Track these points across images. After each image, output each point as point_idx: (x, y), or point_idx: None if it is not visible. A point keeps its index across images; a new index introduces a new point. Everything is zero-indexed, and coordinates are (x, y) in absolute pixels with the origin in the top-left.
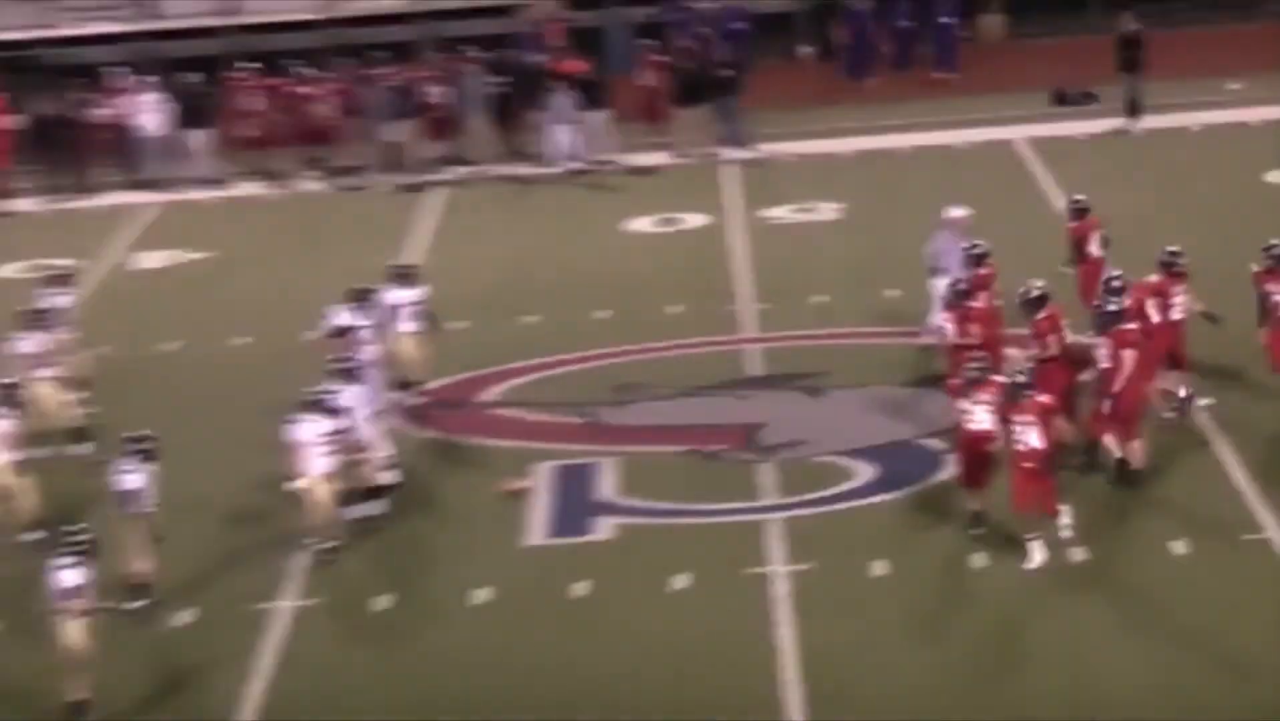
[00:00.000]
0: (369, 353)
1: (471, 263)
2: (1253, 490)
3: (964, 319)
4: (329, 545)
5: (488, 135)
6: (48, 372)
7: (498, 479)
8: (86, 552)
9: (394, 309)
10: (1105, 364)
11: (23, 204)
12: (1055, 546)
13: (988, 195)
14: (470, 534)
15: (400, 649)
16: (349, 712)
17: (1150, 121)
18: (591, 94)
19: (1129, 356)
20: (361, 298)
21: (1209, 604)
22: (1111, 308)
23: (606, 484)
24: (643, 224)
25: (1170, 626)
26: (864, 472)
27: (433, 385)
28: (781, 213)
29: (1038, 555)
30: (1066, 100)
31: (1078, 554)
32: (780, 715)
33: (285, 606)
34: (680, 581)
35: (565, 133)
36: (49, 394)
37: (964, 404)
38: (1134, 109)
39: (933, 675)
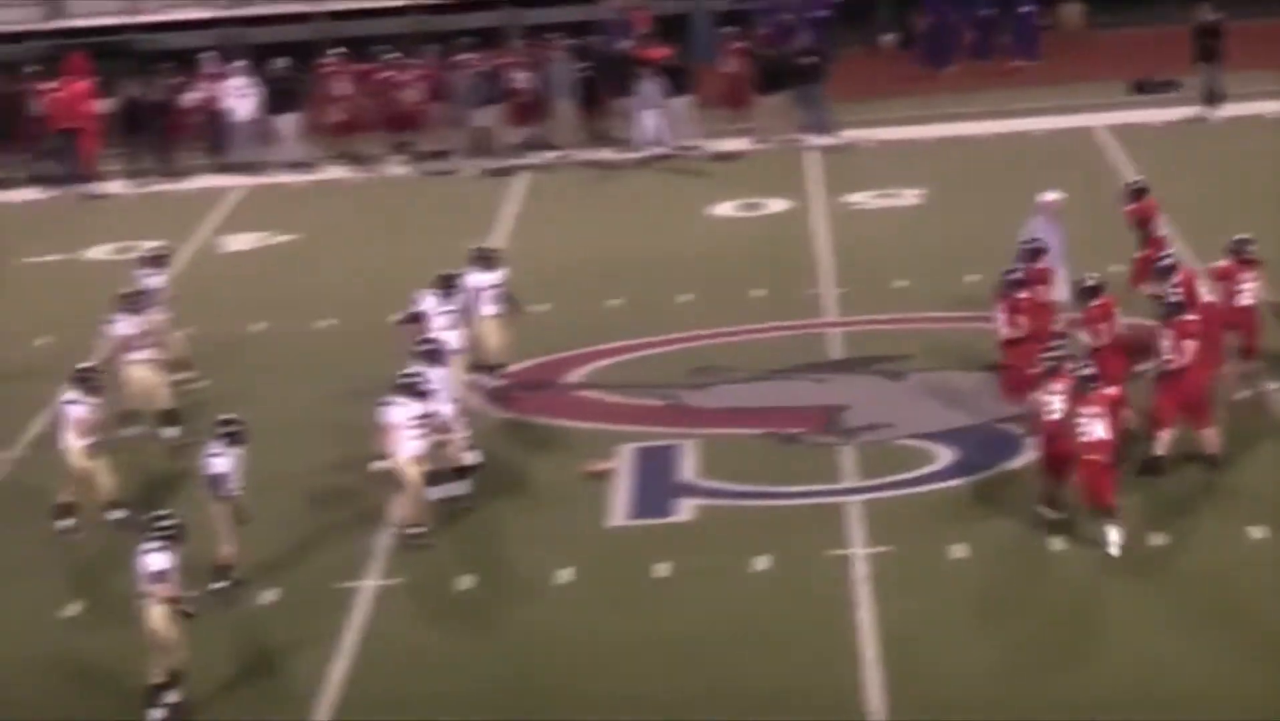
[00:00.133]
0: (452, 336)
1: (556, 246)
2: None
3: (1014, 309)
4: (419, 529)
5: (573, 121)
6: (143, 355)
7: (581, 460)
8: (173, 537)
9: (475, 292)
10: (1169, 355)
11: (112, 186)
12: (1134, 532)
13: (1066, 182)
14: (552, 515)
15: (482, 629)
16: (431, 692)
17: (1228, 110)
18: (676, 80)
19: (1191, 346)
20: (447, 283)
21: None
22: (1174, 298)
23: (688, 466)
24: (726, 208)
25: (1247, 614)
26: (943, 456)
27: (516, 367)
28: (863, 198)
29: (1115, 537)
30: (1145, 88)
31: (1155, 538)
32: (859, 696)
33: (368, 586)
34: (761, 563)
35: (651, 118)
36: (144, 376)
37: (1041, 395)
38: (1212, 97)
39: (1009, 657)
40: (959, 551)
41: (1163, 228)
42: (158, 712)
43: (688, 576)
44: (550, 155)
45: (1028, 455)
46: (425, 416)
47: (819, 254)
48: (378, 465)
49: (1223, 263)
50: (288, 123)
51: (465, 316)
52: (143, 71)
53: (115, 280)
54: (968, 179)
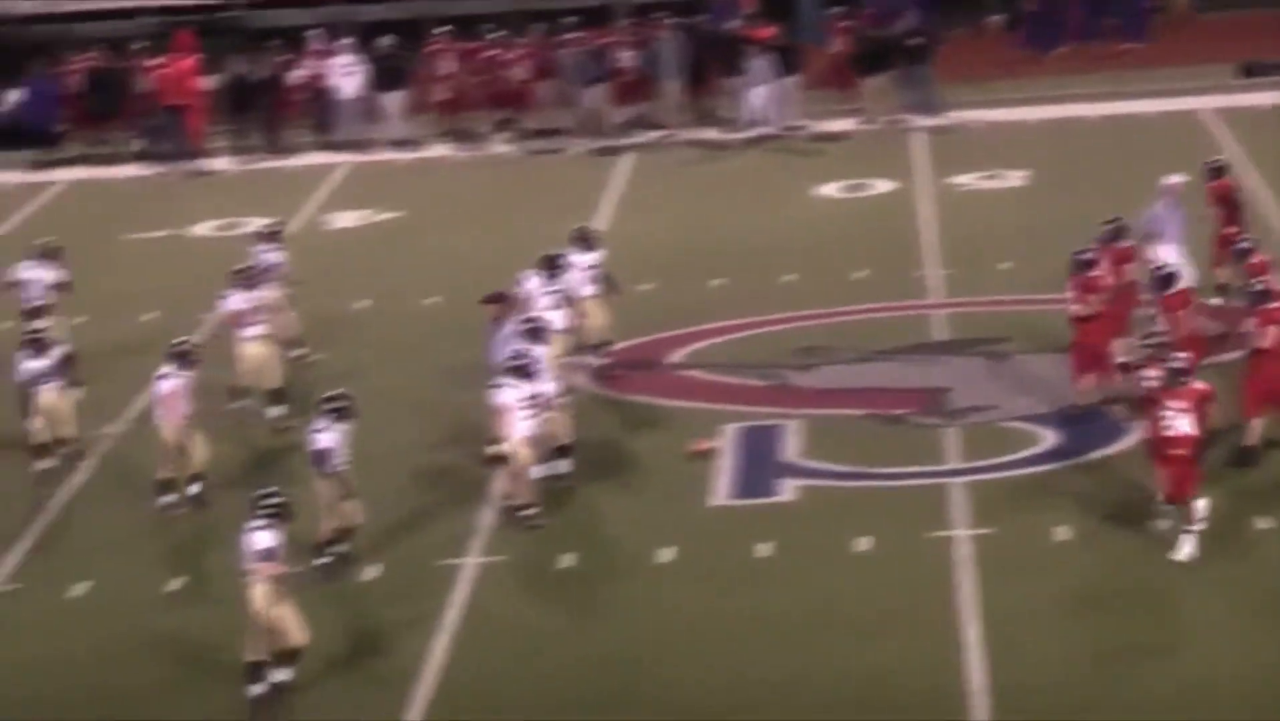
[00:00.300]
0: (556, 316)
1: (660, 225)
2: None
3: (1085, 289)
4: (531, 510)
5: (679, 100)
6: (255, 330)
7: (683, 440)
8: (279, 516)
9: (575, 272)
10: (1256, 343)
11: (218, 163)
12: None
13: (1173, 165)
14: (654, 494)
15: (583, 607)
16: (533, 669)
17: None
18: (783, 60)
19: (1275, 334)
20: (551, 263)
21: None
22: (1258, 286)
23: (791, 446)
24: (831, 189)
25: None
26: (1047, 438)
27: (620, 347)
28: (968, 179)
29: (1187, 547)
30: (1254, 71)
31: (1260, 522)
32: (961, 678)
33: (470, 563)
34: (863, 544)
35: (757, 98)
36: (256, 352)
37: (1162, 409)
38: None
39: (1111, 641)
40: (1062, 534)
41: (1242, 209)
42: (258, 688)
43: (789, 557)
44: (655, 135)
45: (1131, 438)
46: (535, 397)
47: (924, 235)
48: (492, 449)
49: None
50: (393, 100)
51: (568, 296)
52: (250, 48)
53: (220, 256)
54: (1073, 161)
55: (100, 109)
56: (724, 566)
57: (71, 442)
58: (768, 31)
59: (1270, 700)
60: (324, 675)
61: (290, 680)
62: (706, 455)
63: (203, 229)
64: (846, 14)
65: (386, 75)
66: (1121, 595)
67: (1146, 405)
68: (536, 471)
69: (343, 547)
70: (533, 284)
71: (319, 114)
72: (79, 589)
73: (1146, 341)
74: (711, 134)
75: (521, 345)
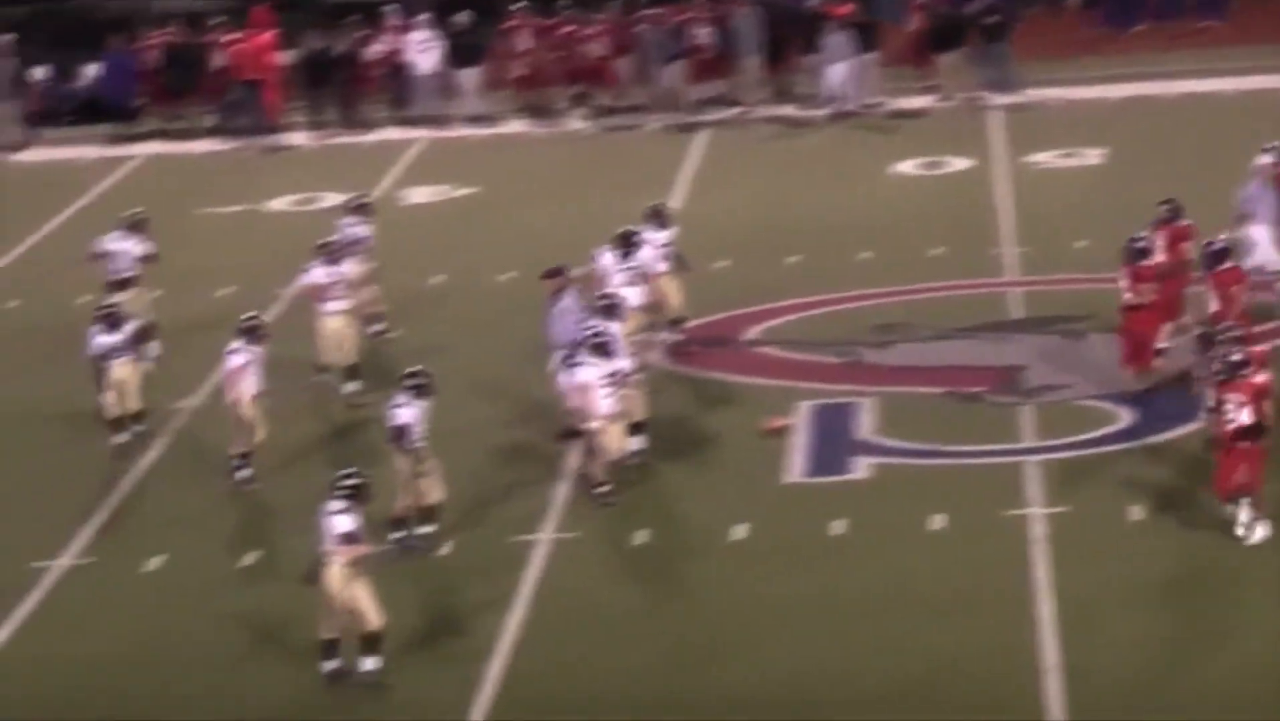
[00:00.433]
0: (631, 293)
1: (737, 202)
2: None
3: (1137, 276)
4: (605, 487)
5: (757, 77)
6: (337, 305)
7: (757, 417)
8: (357, 497)
9: (648, 249)
10: None
11: (294, 138)
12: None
13: (1252, 144)
14: (728, 471)
15: (657, 584)
16: (605, 648)
17: None
18: (862, 36)
19: None
20: (626, 240)
21: None
22: None
23: (865, 423)
24: (907, 167)
25: None
26: (1123, 417)
27: (694, 324)
28: (1045, 157)
29: (1259, 530)
30: None
31: None
32: (1035, 657)
33: (544, 540)
34: (937, 522)
35: (835, 74)
36: (337, 327)
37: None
38: None
39: (1186, 621)
40: (1136, 514)
41: None
42: (331, 665)
43: (863, 535)
44: (732, 112)
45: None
46: (614, 374)
47: (1000, 213)
48: (576, 426)
49: None
50: (470, 76)
51: (643, 273)
52: (327, 24)
53: (296, 231)
54: (1151, 139)
55: (177, 84)
56: (797, 544)
57: (140, 417)
58: (846, 8)
59: None
60: (398, 651)
61: (378, 668)
62: (780, 432)
63: (279, 204)
64: None
65: (463, 51)
66: (1194, 577)
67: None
68: (625, 448)
69: (429, 527)
70: (607, 260)
71: (396, 89)
72: (153, 563)
73: (1221, 336)
74: (789, 111)
75: (597, 321)
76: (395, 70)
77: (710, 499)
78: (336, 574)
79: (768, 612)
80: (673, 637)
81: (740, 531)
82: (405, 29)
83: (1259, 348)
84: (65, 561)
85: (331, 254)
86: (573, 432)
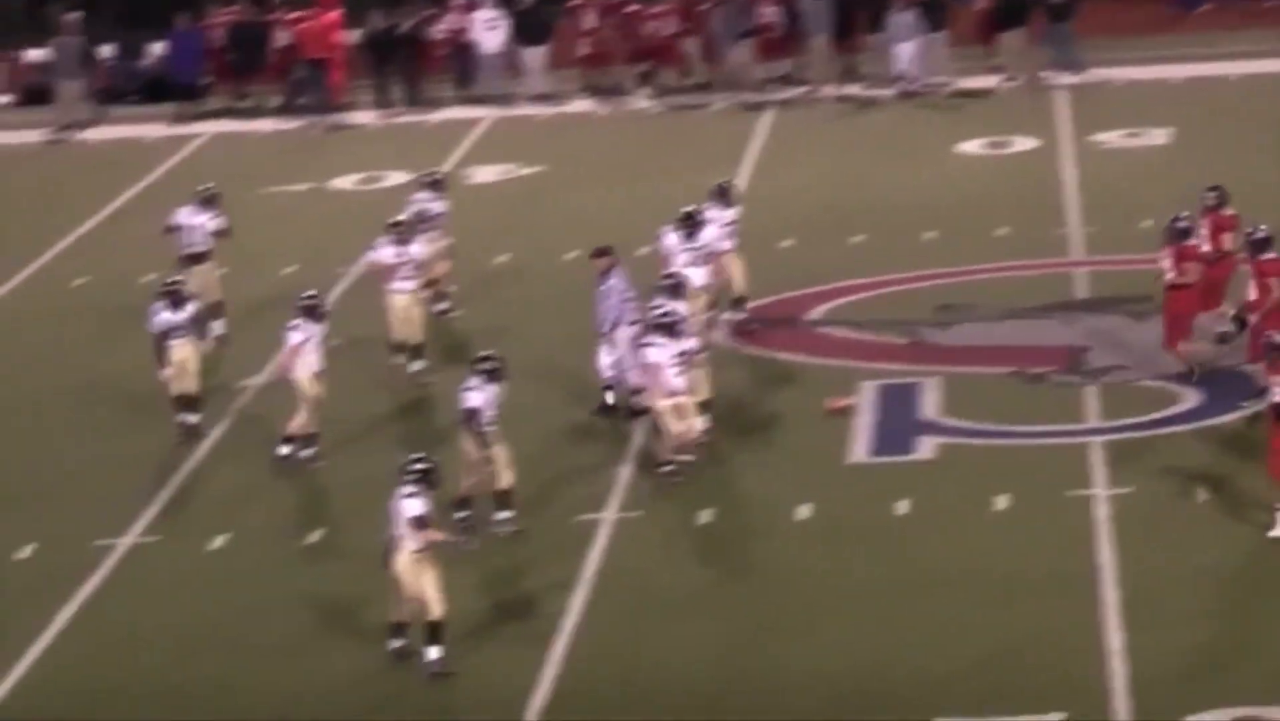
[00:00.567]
0: (695, 273)
1: (801, 181)
2: None
3: (1180, 257)
4: (670, 466)
5: (825, 55)
6: (406, 284)
7: (822, 397)
8: (427, 482)
9: (713, 228)
10: None
11: (359, 117)
12: None
13: None
14: (792, 451)
15: (721, 563)
16: (670, 626)
17: None
18: (930, 15)
19: None
20: (690, 219)
21: None
22: None
23: (929, 403)
24: (973, 146)
25: None
26: (1188, 398)
27: (759, 303)
28: (1111, 137)
29: None
30: None
31: None
32: (1100, 637)
33: (608, 519)
34: (1002, 502)
35: (903, 53)
36: (405, 305)
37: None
38: None
39: (1251, 601)
40: (1201, 495)
41: None
42: (397, 643)
43: (927, 515)
44: (799, 90)
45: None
46: (683, 354)
47: (1065, 193)
48: (643, 403)
49: None
50: (536, 55)
51: (706, 252)
52: (392, 2)
53: (361, 210)
54: (1217, 120)
55: (242, 63)
56: (861, 525)
57: (196, 404)
58: None
59: None
60: (462, 632)
61: (440, 658)
62: (844, 412)
63: (343, 182)
64: None
65: (529, 29)
66: (1257, 559)
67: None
68: (695, 428)
69: (505, 513)
70: (672, 240)
71: (461, 68)
72: (217, 541)
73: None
74: (855, 90)
75: (663, 301)
76: (460, 49)
77: (774, 479)
78: (406, 559)
79: (831, 593)
80: (736, 618)
81: (804, 511)
82: (471, 7)
83: None
84: (129, 540)
85: (400, 234)
86: (640, 411)
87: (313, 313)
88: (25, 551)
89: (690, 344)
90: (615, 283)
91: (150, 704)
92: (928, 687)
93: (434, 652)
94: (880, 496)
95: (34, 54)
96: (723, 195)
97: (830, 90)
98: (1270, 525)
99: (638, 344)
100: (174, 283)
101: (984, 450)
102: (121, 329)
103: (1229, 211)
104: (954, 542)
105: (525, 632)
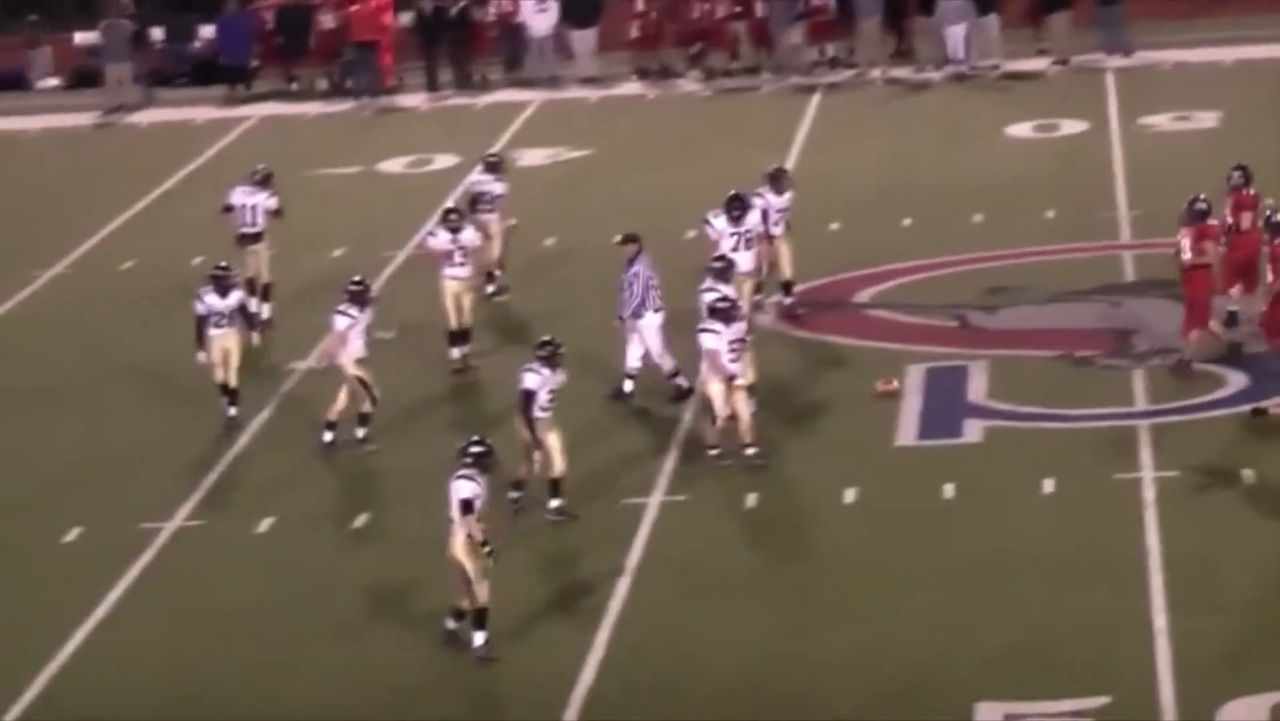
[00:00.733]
0: (742, 257)
1: (851, 164)
2: None
3: (1199, 237)
4: (718, 449)
5: (876, 38)
6: (456, 272)
7: (869, 380)
8: (480, 465)
9: (764, 212)
10: None
11: (408, 99)
12: None
13: None
14: (839, 434)
15: (767, 546)
16: (717, 610)
17: None
18: None
19: None
20: (736, 203)
21: None
22: None
23: (977, 386)
24: (1022, 129)
25: None
26: (1234, 381)
27: (807, 286)
28: (1159, 120)
29: None
30: None
31: None
32: (1147, 619)
33: (655, 502)
34: (1049, 485)
35: (954, 36)
36: (456, 292)
37: None
38: None
39: None
40: (1248, 478)
41: None
42: (452, 623)
43: (975, 498)
44: (849, 73)
45: None
46: (738, 340)
47: (1114, 176)
48: (684, 384)
49: None
50: (585, 38)
51: (754, 236)
52: None
53: (410, 193)
54: (1267, 102)
55: (291, 45)
56: (909, 508)
57: (236, 397)
58: None
59: None
60: (509, 616)
61: (484, 644)
62: (893, 395)
63: (392, 165)
64: None
65: (578, 12)
66: None
67: None
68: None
69: (556, 501)
70: (719, 224)
71: (510, 51)
72: (264, 525)
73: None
74: (905, 73)
75: (712, 283)
76: (510, 31)
77: (821, 462)
78: (458, 543)
79: (877, 576)
80: (782, 601)
81: (851, 494)
82: None
83: None
84: (175, 523)
85: (452, 222)
86: (684, 393)
87: (360, 298)
88: (72, 535)
89: (742, 329)
90: (640, 269)
91: (197, 686)
92: (972, 671)
93: (478, 637)
94: (927, 479)
95: (83, 37)
96: (776, 181)
97: (880, 73)
98: None
99: (697, 330)
100: (223, 268)
101: (1031, 433)
102: (170, 312)
103: (1250, 191)
104: (1000, 526)
105: (571, 616)
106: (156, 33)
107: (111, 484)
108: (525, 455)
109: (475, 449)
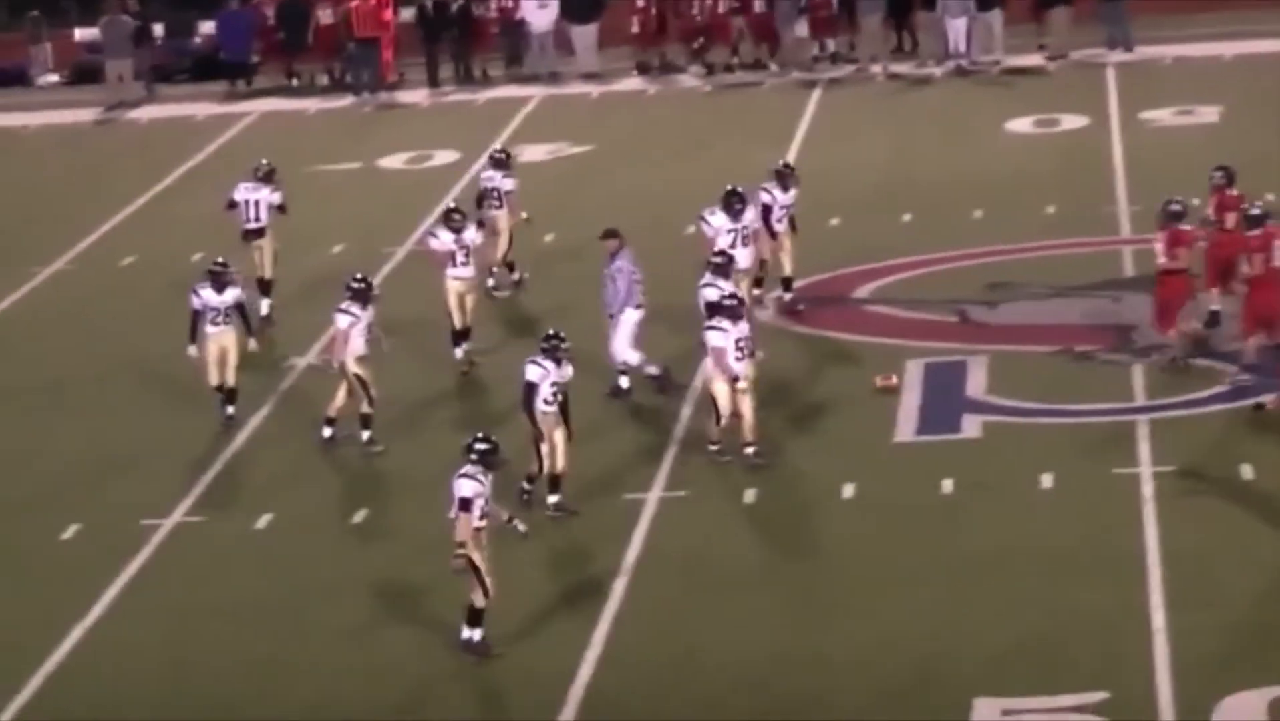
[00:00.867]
0: (740, 254)
1: (851, 159)
2: None
3: (1173, 241)
4: (718, 445)
5: (877, 33)
6: (458, 272)
7: (869, 375)
8: (483, 462)
9: (769, 209)
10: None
11: (408, 95)
12: None
13: None
14: (838, 429)
15: (767, 542)
16: (715, 605)
17: None
18: None
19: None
20: (734, 199)
21: None
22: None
23: (976, 382)
24: (1022, 124)
25: None
26: (1234, 376)
27: (807, 282)
28: (1160, 115)
29: None
30: None
31: None
32: (1145, 615)
33: (654, 498)
34: (1048, 480)
35: (955, 30)
36: (459, 292)
37: None
38: None
39: None
40: (1246, 473)
41: None
42: (467, 630)
43: (974, 493)
44: (851, 68)
45: None
46: (745, 339)
47: (1114, 171)
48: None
49: None
50: (586, 34)
51: (751, 232)
52: None
53: (410, 189)
54: (1267, 97)
55: (291, 41)
56: (908, 503)
57: (233, 396)
58: None
59: None
60: (508, 610)
61: (479, 641)
62: (893, 390)
63: (393, 161)
64: None
65: (579, 8)
66: None
67: None
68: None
69: (554, 497)
70: (717, 220)
71: (511, 47)
72: (262, 521)
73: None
74: (906, 68)
75: (710, 279)
76: (511, 27)
77: (820, 457)
78: (461, 538)
79: (878, 572)
80: (782, 596)
81: (850, 490)
82: None
83: None
84: (175, 519)
85: (455, 222)
86: (665, 385)
87: (362, 297)
88: (70, 532)
89: (748, 327)
90: (623, 264)
91: (196, 683)
92: (972, 666)
93: (475, 634)
94: (926, 475)
95: (84, 33)
96: (782, 177)
97: (880, 68)
98: None
99: (705, 328)
100: (221, 264)
101: (1030, 428)
102: (170, 308)
103: (1234, 191)
104: (999, 521)
105: (570, 612)
106: (157, 29)
107: (110, 481)
108: (535, 449)
109: (480, 446)
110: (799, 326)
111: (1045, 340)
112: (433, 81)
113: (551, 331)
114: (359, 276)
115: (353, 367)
